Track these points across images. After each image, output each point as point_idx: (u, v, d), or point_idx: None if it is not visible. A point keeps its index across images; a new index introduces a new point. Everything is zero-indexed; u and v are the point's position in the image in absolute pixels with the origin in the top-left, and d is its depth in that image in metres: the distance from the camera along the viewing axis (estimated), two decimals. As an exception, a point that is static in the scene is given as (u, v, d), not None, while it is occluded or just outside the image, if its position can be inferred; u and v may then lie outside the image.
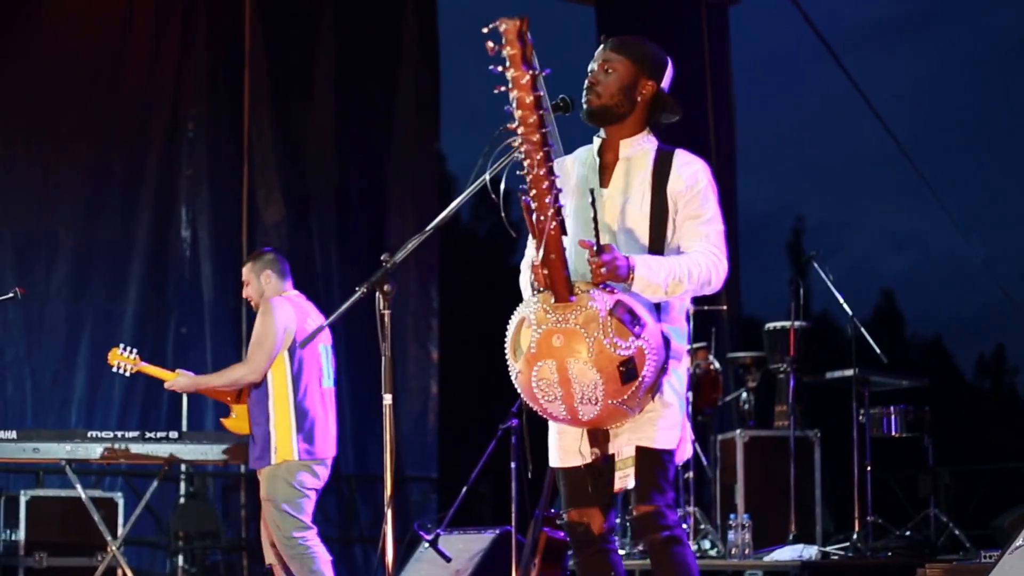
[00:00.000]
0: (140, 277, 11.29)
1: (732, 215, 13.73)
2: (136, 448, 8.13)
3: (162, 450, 8.36)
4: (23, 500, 9.18)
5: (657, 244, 4.31)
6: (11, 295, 7.76)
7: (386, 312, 4.20)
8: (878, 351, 9.12)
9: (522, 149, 3.94)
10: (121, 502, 9.57)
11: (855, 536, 8.65)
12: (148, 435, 8.40)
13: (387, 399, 4.23)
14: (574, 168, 4.53)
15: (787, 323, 9.31)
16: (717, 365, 9.48)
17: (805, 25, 12.58)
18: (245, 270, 7.31)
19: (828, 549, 8.49)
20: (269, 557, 7.18)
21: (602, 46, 4.45)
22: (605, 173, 4.45)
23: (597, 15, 13.60)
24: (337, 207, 12.20)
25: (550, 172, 3.94)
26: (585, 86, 4.39)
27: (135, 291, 11.22)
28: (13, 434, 8.05)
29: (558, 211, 3.99)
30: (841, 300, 9.14)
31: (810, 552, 8.20)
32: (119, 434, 8.23)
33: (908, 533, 9.02)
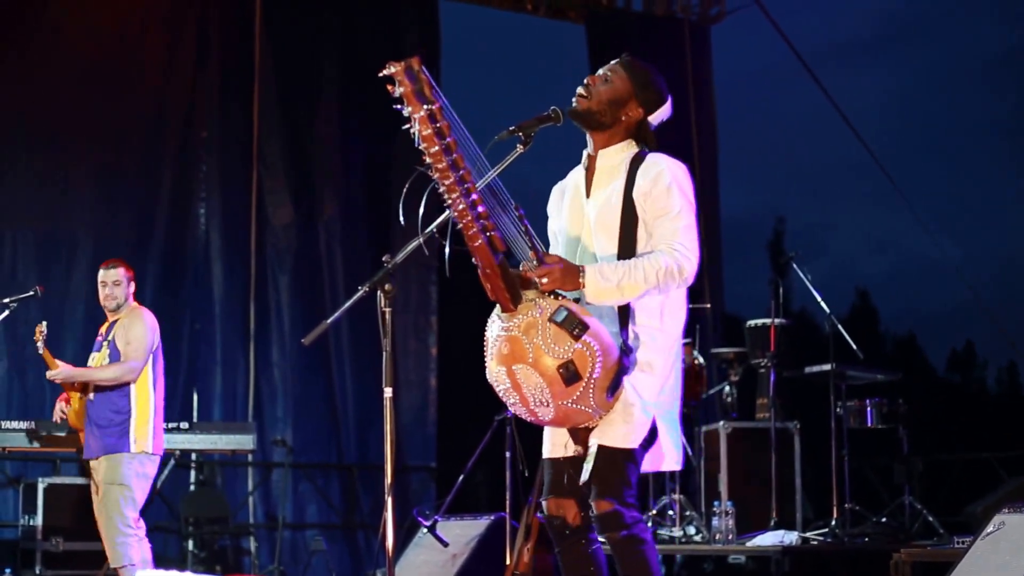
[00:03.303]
0: (156, 276, 11.27)
1: (715, 219, 13.77)
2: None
3: (173, 440, 8.30)
4: (41, 487, 9.15)
5: (627, 248, 4.23)
6: (31, 293, 7.73)
7: (387, 310, 4.18)
8: (854, 347, 9.09)
9: (435, 178, 3.96)
10: (135, 489, 9.53)
11: (833, 522, 8.61)
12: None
13: (388, 392, 4.21)
14: (566, 189, 4.51)
15: (767, 320, 9.28)
16: (701, 360, 9.44)
17: (784, 42, 12.65)
18: (121, 272, 7.26)
19: (808, 535, 8.46)
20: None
21: (616, 59, 4.43)
22: (588, 185, 4.42)
23: (587, 33, 13.68)
24: (342, 210, 12.17)
25: (466, 194, 3.94)
26: (583, 83, 4.35)
27: (151, 289, 11.18)
28: (32, 424, 8.02)
29: (484, 229, 3.98)
30: (819, 298, 9.11)
31: (791, 537, 8.17)
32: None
33: (884, 519, 8.98)
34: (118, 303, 7.22)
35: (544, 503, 4.38)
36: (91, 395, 7.04)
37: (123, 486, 6.94)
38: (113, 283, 7.23)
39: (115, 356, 7.09)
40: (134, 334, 7.07)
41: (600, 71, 4.39)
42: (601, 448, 4.15)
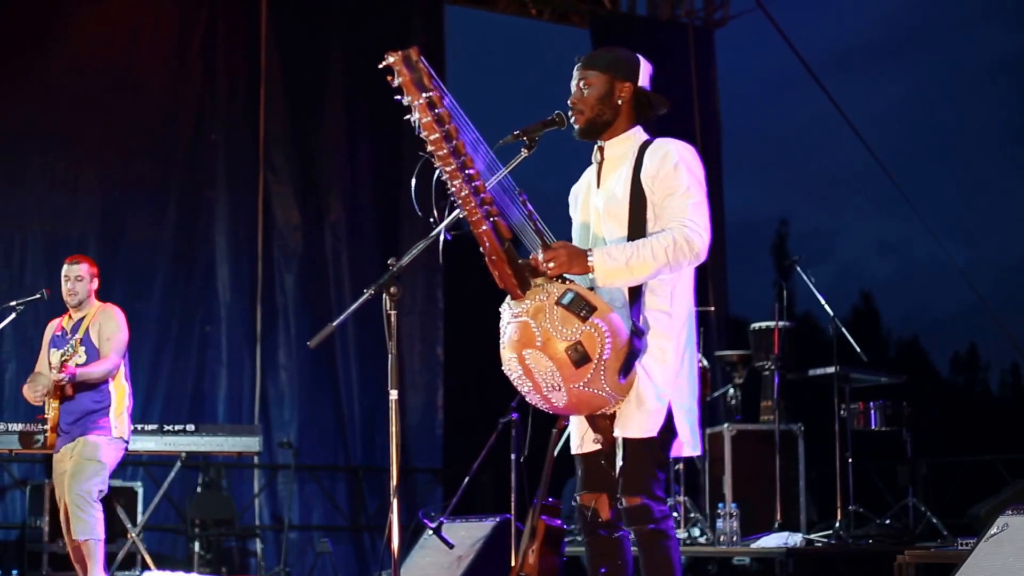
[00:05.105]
0: (163, 278, 11.28)
1: (719, 222, 13.75)
2: (155, 440, 8.08)
3: (179, 442, 8.29)
4: (47, 489, 9.16)
5: (636, 231, 4.22)
6: (38, 296, 7.73)
7: (393, 313, 4.17)
8: (858, 350, 9.08)
9: (437, 166, 3.98)
10: (141, 491, 9.55)
11: (837, 524, 8.61)
12: (166, 428, 8.33)
13: (393, 395, 4.20)
14: (580, 191, 4.52)
15: (772, 323, 9.29)
16: (705, 363, 9.42)
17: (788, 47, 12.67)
18: (84, 268, 7.31)
19: (812, 536, 8.45)
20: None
21: (576, 66, 4.42)
22: (599, 176, 4.42)
23: (591, 37, 13.70)
24: (348, 212, 12.18)
25: (469, 180, 3.96)
26: (569, 106, 4.36)
27: (159, 291, 11.21)
28: (38, 427, 8.01)
29: (488, 215, 3.99)
30: (823, 301, 9.11)
31: (795, 539, 8.16)
32: (139, 427, 8.18)
33: (888, 521, 8.97)
34: (79, 299, 7.27)
35: (578, 496, 4.39)
36: (70, 391, 7.08)
37: (100, 463, 7.03)
38: (76, 278, 7.28)
39: (91, 352, 7.15)
40: (112, 332, 7.18)
41: (572, 85, 4.39)
42: (627, 441, 4.15)
